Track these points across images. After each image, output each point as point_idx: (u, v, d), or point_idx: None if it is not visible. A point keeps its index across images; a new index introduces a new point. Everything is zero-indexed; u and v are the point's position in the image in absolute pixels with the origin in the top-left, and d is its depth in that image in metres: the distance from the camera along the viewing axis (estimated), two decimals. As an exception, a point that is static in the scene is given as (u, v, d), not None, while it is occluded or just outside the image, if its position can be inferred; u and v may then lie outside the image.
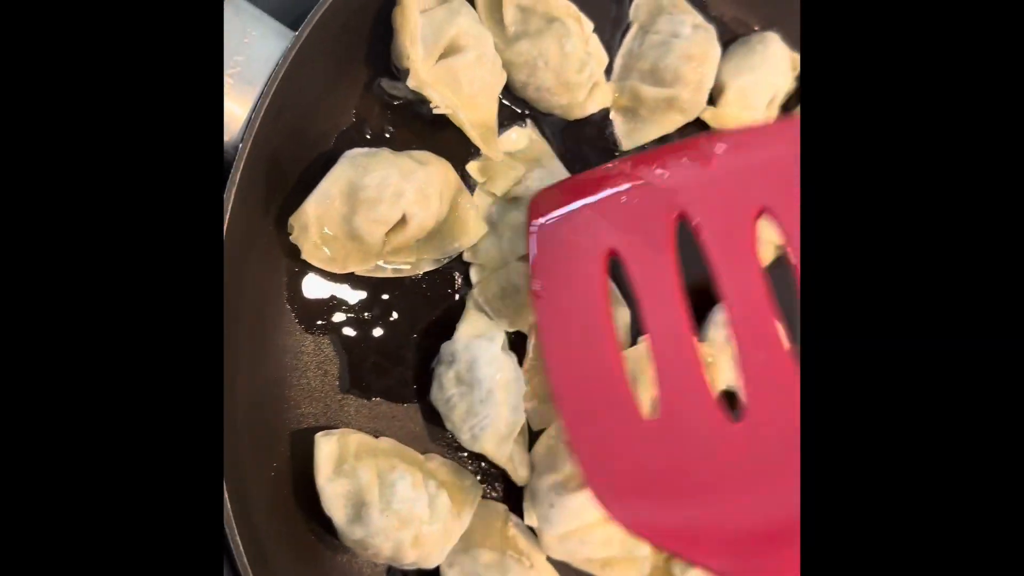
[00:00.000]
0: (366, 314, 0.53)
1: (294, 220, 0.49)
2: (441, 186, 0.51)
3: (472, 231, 0.54)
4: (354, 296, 0.53)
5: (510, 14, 0.54)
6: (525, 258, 0.55)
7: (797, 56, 0.67)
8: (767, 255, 0.65)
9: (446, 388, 0.52)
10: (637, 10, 0.62)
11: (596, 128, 0.62)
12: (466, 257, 0.56)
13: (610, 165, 0.53)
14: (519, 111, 0.58)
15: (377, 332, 0.53)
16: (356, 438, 0.51)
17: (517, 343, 0.56)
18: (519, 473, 0.54)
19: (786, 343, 0.47)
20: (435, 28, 0.50)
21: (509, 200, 0.56)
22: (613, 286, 0.59)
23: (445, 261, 0.55)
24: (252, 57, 0.47)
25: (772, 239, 0.65)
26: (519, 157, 0.58)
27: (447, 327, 0.54)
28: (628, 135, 0.62)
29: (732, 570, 0.44)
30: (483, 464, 0.55)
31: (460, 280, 0.56)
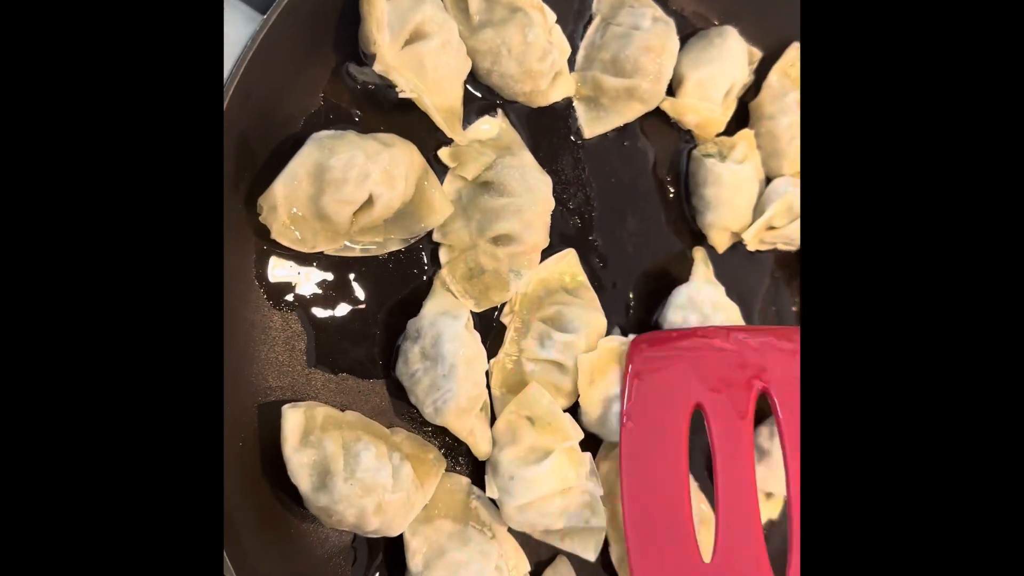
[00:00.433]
0: (334, 292, 0.55)
1: (263, 201, 0.50)
2: (407, 167, 0.53)
3: (438, 211, 0.56)
4: (322, 274, 0.54)
5: (475, 3, 0.56)
6: (494, 240, 0.57)
7: (754, 50, 0.70)
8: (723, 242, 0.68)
9: (411, 363, 0.54)
10: (599, 2, 0.65)
11: (560, 116, 0.64)
12: (435, 238, 0.58)
13: (708, 328, 0.61)
14: (491, 101, 0.60)
15: (345, 309, 0.55)
16: (323, 411, 0.52)
17: (481, 323, 0.58)
18: (480, 447, 0.56)
19: None
20: (401, 15, 0.52)
21: (479, 184, 0.58)
22: (593, 293, 0.62)
23: (412, 241, 0.56)
24: (222, 40, 0.48)
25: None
26: (489, 144, 0.60)
27: (414, 305, 0.56)
28: (590, 123, 0.64)
29: None
30: (447, 439, 0.57)
31: (427, 260, 0.58)
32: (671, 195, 0.69)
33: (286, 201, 0.50)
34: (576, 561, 0.61)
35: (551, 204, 0.59)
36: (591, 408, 0.59)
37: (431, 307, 0.56)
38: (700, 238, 0.70)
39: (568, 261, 0.62)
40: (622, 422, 0.57)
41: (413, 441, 0.56)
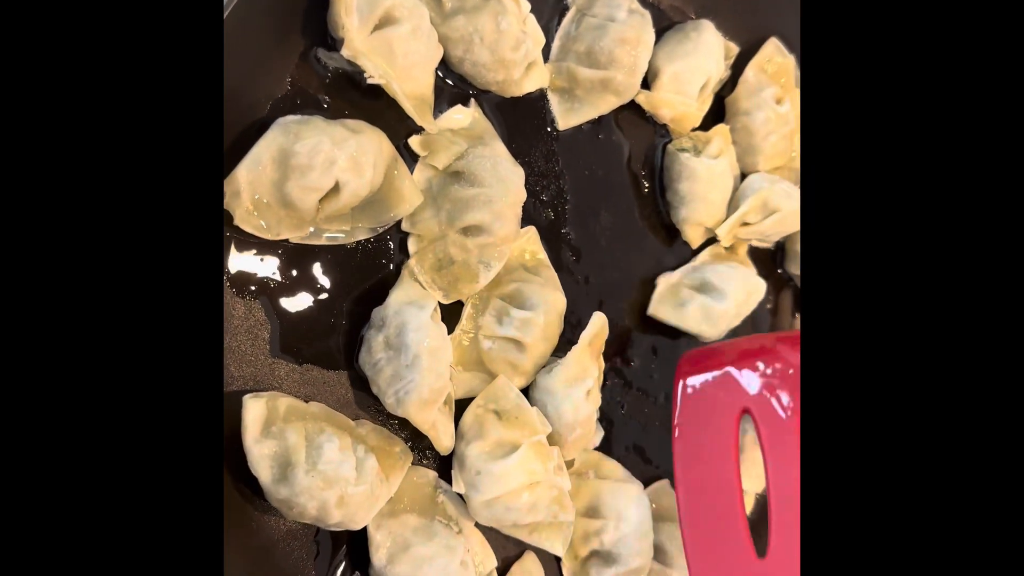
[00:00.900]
0: (299, 280, 0.54)
1: (226, 185, 0.49)
2: (375, 155, 0.52)
3: (408, 200, 0.55)
4: (287, 262, 0.53)
5: (448, -11, 0.55)
6: (464, 231, 0.56)
7: (731, 45, 0.70)
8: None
9: (374, 352, 0.53)
10: (575, -7, 0.64)
11: (533, 107, 0.63)
12: (404, 227, 0.57)
13: (755, 337, 0.63)
14: (464, 90, 0.60)
15: (310, 298, 0.54)
16: (285, 401, 0.51)
17: (447, 314, 0.57)
18: (442, 441, 0.55)
19: None
20: None
21: (450, 174, 0.57)
22: (553, 272, 0.61)
23: (380, 230, 0.56)
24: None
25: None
26: (461, 134, 0.59)
27: (380, 295, 0.55)
28: (564, 115, 0.63)
29: None
30: (414, 431, 0.56)
31: (395, 249, 0.57)
32: (645, 189, 0.68)
33: (249, 187, 0.49)
34: (544, 556, 0.60)
35: (523, 196, 0.58)
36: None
37: (397, 296, 0.55)
38: (674, 232, 0.69)
39: (528, 239, 0.61)
40: (673, 433, 0.58)
41: (379, 433, 0.55)
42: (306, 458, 0.49)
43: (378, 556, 0.53)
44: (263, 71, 0.52)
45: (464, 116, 0.59)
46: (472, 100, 0.60)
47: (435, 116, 0.57)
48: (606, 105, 0.64)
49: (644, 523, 0.61)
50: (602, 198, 0.66)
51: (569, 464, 0.62)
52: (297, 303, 0.54)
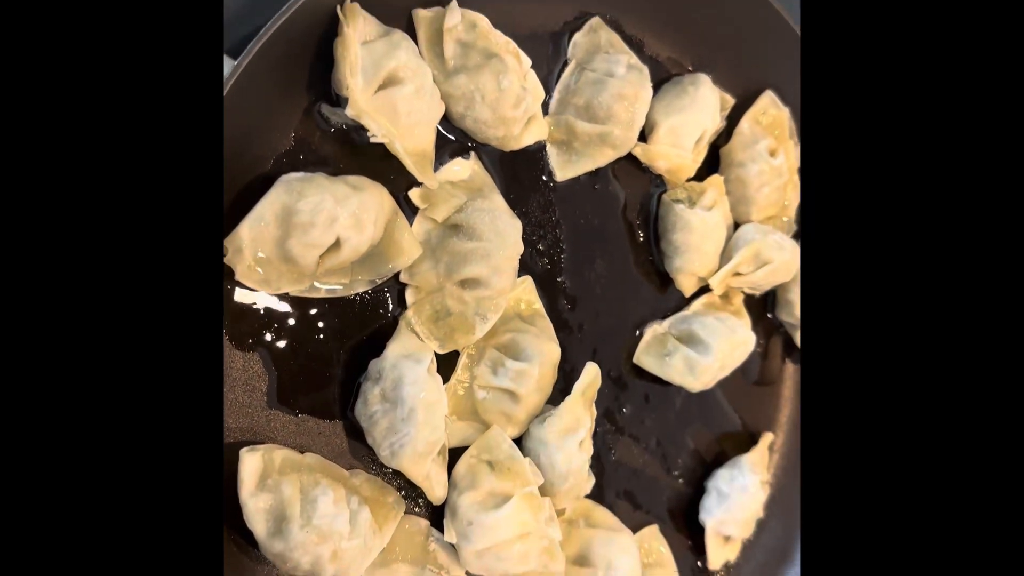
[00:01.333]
0: (297, 331, 0.54)
1: (228, 242, 0.50)
2: (376, 211, 0.53)
3: (407, 253, 0.56)
4: (286, 314, 0.54)
5: (450, 48, 0.56)
6: (462, 283, 0.57)
7: (727, 96, 0.71)
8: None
9: (370, 404, 0.54)
10: (575, 48, 0.65)
11: (532, 158, 0.64)
12: (403, 278, 0.58)
13: None
14: (464, 143, 0.61)
15: (307, 349, 0.55)
16: (281, 453, 0.52)
17: (443, 363, 0.58)
18: (435, 492, 0.56)
19: None
20: (375, 60, 0.52)
21: (449, 227, 0.58)
22: (548, 322, 0.62)
23: (379, 282, 0.56)
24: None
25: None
26: (461, 186, 0.60)
27: (377, 346, 0.56)
28: (562, 167, 0.64)
29: None
30: (407, 480, 0.57)
31: (393, 301, 0.58)
32: (640, 238, 0.69)
33: (252, 243, 0.50)
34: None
35: (520, 249, 0.59)
36: None
37: (394, 349, 0.55)
38: (668, 280, 0.70)
39: (524, 288, 0.62)
40: None
41: (372, 483, 0.56)
42: (301, 512, 0.49)
43: (370, 606, 0.53)
44: (267, 127, 0.53)
45: (463, 169, 0.60)
46: (471, 152, 0.61)
47: (435, 168, 0.58)
48: (603, 157, 0.65)
49: (634, 572, 0.62)
50: (597, 247, 0.67)
51: (560, 512, 0.62)
52: (293, 354, 0.54)
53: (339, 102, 0.54)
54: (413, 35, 0.56)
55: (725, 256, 0.70)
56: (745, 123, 0.71)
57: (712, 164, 0.72)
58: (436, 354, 0.57)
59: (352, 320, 0.56)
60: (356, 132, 0.55)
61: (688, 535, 0.70)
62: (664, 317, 0.70)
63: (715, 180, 0.70)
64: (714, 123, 0.69)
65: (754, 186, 0.71)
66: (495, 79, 0.57)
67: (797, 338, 0.75)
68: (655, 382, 0.69)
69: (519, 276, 0.61)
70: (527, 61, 0.60)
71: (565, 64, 0.65)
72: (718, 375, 0.68)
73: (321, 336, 0.55)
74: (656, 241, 0.70)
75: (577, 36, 0.65)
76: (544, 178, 0.65)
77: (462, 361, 0.59)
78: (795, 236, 0.74)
